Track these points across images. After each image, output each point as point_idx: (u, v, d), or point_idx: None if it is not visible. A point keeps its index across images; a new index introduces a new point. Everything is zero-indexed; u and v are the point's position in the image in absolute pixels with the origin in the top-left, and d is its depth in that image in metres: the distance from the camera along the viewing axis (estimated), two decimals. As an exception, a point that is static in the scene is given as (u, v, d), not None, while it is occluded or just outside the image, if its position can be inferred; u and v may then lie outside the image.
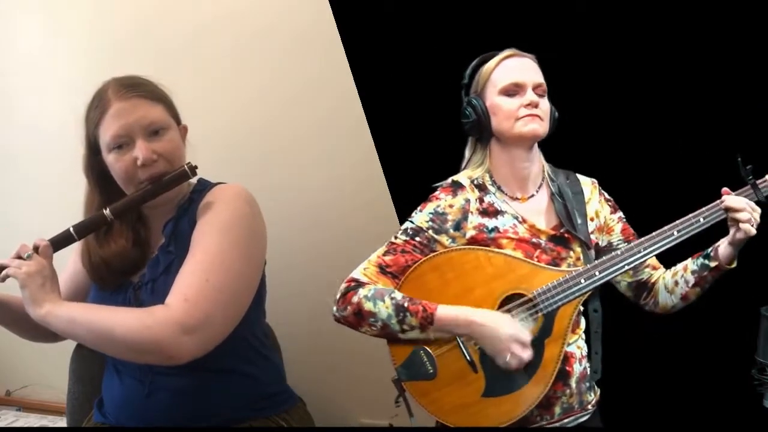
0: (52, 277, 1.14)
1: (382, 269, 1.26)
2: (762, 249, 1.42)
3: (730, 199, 1.17)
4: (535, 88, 1.27)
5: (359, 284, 1.24)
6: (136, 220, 1.27)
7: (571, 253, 1.28)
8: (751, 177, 1.18)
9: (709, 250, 1.24)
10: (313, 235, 1.82)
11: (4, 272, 1.12)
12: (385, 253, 1.27)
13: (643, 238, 1.22)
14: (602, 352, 1.29)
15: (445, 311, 1.19)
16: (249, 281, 1.21)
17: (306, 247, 1.49)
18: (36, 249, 1.14)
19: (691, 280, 1.26)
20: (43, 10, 2.10)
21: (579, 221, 1.30)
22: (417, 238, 1.26)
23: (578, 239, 1.29)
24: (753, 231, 1.15)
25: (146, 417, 1.20)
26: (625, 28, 1.51)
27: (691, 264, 1.27)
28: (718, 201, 1.19)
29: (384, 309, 1.20)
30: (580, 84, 1.50)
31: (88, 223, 1.19)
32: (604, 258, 1.23)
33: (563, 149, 1.36)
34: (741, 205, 1.16)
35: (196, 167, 1.19)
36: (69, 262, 1.35)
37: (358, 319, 1.22)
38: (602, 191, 1.39)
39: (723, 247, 1.21)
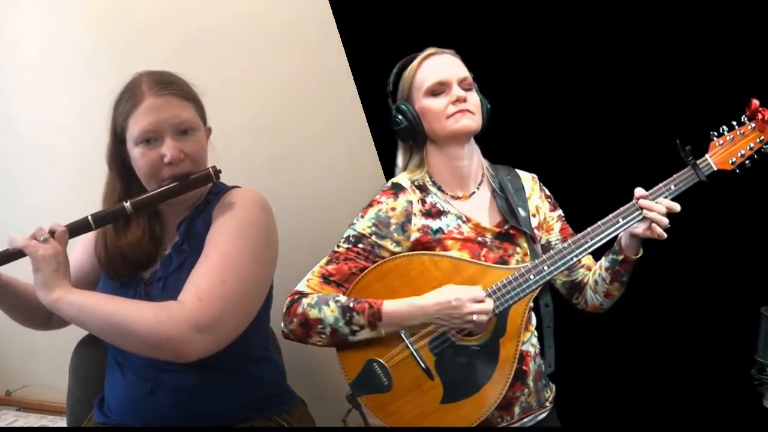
0: (65, 264, 1.14)
1: (326, 279, 1.24)
2: (762, 249, 1.43)
3: (650, 205, 1.15)
4: (461, 82, 1.26)
5: (303, 295, 1.23)
6: (153, 215, 1.27)
7: (518, 249, 1.28)
8: (691, 158, 1.18)
9: (616, 244, 1.23)
10: (315, 235, 1.82)
11: (21, 244, 1.11)
12: (328, 263, 1.26)
13: (588, 229, 1.20)
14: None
15: (391, 304, 1.18)
16: (261, 285, 1.23)
17: (307, 248, 1.49)
18: (52, 233, 1.14)
19: (607, 276, 1.25)
20: (46, 9, 2.10)
21: (523, 215, 1.29)
22: (360, 245, 1.25)
23: (524, 234, 1.28)
24: (665, 236, 1.15)
25: (149, 414, 1.20)
26: (561, 20, 1.51)
27: (604, 261, 1.27)
28: (660, 184, 1.18)
29: (330, 313, 1.18)
30: (516, 78, 1.51)
31: (107, 214, 1.20)
32: (551, 252, 1.21)
33: (501, 144, 1.36)
34: (662, 214, 1.15)
35: (220, 171, 1.21)
36: (75, 252, 1.35)
37: (306, 329, 1.20)
38: (543, 187, 1.39)
39: (625, 239, 1.20)
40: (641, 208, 1.16)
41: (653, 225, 1.15)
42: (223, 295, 1.13)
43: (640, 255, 1.21)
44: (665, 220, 1.15)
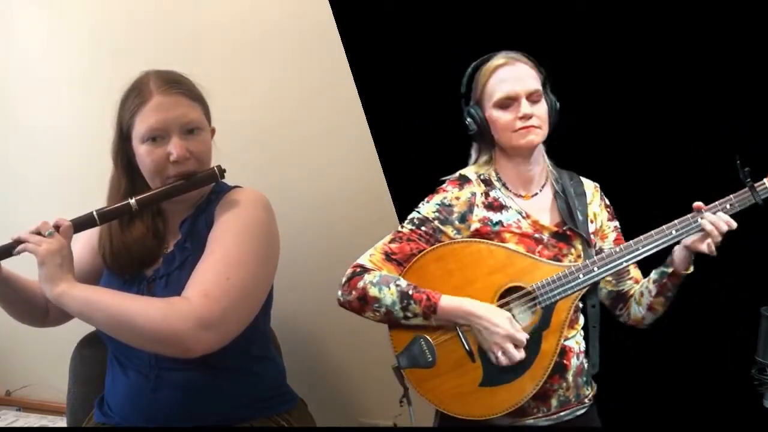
0: (70, 258, 1.14)
1: (388, 256, 1.28)
2: (762, 249, 1.42)
3: (713, 218, 1.18)
4: (530, 95, 1.27)
5: (365, 270, 1.27)
6: (156, 214, 1.28)
7: (573, 250, 1.31)
8: (749, 180, 1.19)
9: (669, 257, 1.25)
10: (315, 235, 1.83)
11: (22, 246, 1.12)
12: (392, 241, 1.30)
13: (641, 236, 1.24)
14: (600, 348, 1.30)
15: (447, 301, 1.22)
16: (263, 283, 1.23)
17: (307, 247, 1.50)
18: (57, 228, 1.14)
19: (654, 289, 1.27)
20: (46, 9, 2.10)
21: (581, 219, 1.32)
22: (423, 228, 1.29)
23: (580, 237, 1.31)
24: (715, 252, 1.18)
25: (151, 412, 1.20)
26: (626, 31, 1.51)
27: (653, 274, 1.29)
28: (717, 202, 1.20)
29: (389, 295, 1.22)
30: (583, 87, 1.50)
31: (112, 210, 1.20)
32: (602, 254, 1.25)
33: (566, 151, 1.37)
34: (722, 228, 1.17)
35: (224, 171, 1.22)
36: (75, 248, 1.34)
37: (362, 304, 1.24)
38: (603, 196, 1.41)
39: (678, 251, 1.22)
40: (703, 218, 1.18)
41: (708, 239, 1.17)
42: (228, 292, 1.13)
43: (690, 271, 1.23)
44: (719, 238, 1.17)
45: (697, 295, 1.50)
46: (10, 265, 1.21)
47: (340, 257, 1.35)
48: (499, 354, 1.19)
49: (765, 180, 1.20)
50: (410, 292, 1.22)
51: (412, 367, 1.26)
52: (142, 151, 1.20)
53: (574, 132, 1.38)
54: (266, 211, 1.26)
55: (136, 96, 1.21)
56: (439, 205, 1.30)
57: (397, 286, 1.23)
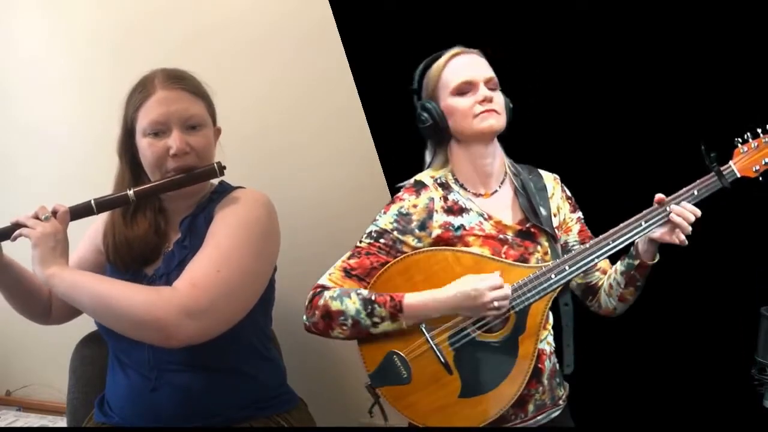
0: (64, 242, 1.16)
1: (347, 273, 1.25)
2: (762, 249, 1.42)
3: (680, 210, 1.15)
4: (487, 82, 1.27)
5: (324, 289, 1.24)
6: (158, 211, 1.28)
7: (539, 247, 1.29)
8: (715, 164, 1.17)
9: (632, 248, 1.22)
10: (314, 234, 1.83)
11: (19, 230, 1.14)
12: (350, 257, 1.27)
13: (611, 231, 1.21)
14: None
15: (412, 297, 1.19)
16: (258, 279, 1.23)
17: (307, 245, 1.50)
18: (54, 213, 1.16)
19: (622, 281, 1.25)
20: (44, 9, 2.10)
21: (544, 214, 1.30)
22: (381, 240, 1.26)
23: (545, 233, 1.29)
24: (686, 242, 1.15)
25: (151, 412, 1.21)
26: (586, 21, 1.50)
27: (619, 265, 1.26)
28: (684, 189, 1.18)
29: (351, 305, 1.19)
30: (542, 78, 1.50)
31: (110, 200, 1.21)
32: (573, 252, 1.22)
33: (524, 143, 1.36)
34: (690, 218, 1.14)
35: (224, 167, 1.22)
36: (77, 249, 1.36)
37: (328, 321, 1.21)
38: (564, 188, 1.39)
39: (642, 244, 1.20)
40: (671, 212, 1.15)
41: (676, 230, 1.15)
42: (217, 284, 1.13)
43: (656, 260, 1.21)
44: (689, 228, 1.15)
45: (697, 295, 1.50)
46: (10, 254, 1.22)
47: (341, 255, 1.34)
48: (496, 305, 1.15)
49: (731, 162, 1.18)
50: (373, 297, 1.19)
51: (386, 385, 1.23)
52: (144, 145, 1.22)
53: (532, 123, 1.36)
54: (266, 210, 1.26)
55: (140, 91, 1.23)
56: (396, 215, 1.27)
57: (359, 294, 1.20)
